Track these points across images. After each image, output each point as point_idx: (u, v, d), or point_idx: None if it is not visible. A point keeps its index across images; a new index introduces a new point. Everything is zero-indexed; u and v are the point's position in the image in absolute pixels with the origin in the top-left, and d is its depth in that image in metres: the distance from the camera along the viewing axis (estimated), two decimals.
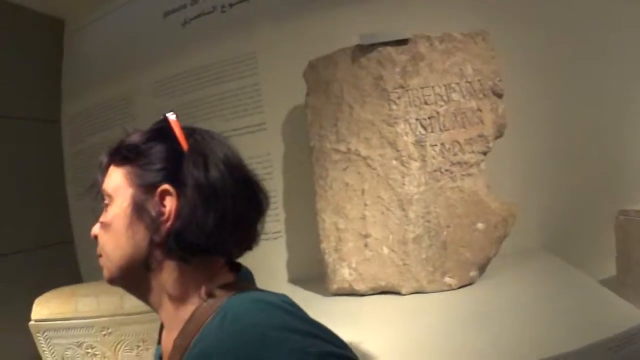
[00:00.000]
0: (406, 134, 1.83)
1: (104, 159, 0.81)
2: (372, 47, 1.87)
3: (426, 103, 1.86)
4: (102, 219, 0.78)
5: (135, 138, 0.78)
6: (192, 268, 0.73)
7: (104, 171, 0.80)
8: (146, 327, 1.87)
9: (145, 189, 0.73)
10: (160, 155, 0.74)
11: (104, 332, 1.91)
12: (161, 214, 0.72)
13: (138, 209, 0.73)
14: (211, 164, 0.72)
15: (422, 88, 1.86)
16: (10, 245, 2.46)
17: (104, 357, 1.95)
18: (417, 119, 1.84)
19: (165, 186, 0.72)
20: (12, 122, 2.48)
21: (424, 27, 1.93)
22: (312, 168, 1.92)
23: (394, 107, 1.84)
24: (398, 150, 1.83)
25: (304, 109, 1.96)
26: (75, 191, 2.78)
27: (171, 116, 0.77)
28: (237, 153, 0.79)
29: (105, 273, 0.79)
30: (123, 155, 0.77)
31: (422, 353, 1.35)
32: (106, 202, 0.78)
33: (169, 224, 0.71)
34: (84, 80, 2.69)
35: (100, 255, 0.80)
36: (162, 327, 0.86)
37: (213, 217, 0.70)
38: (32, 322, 2.00)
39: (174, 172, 0.72)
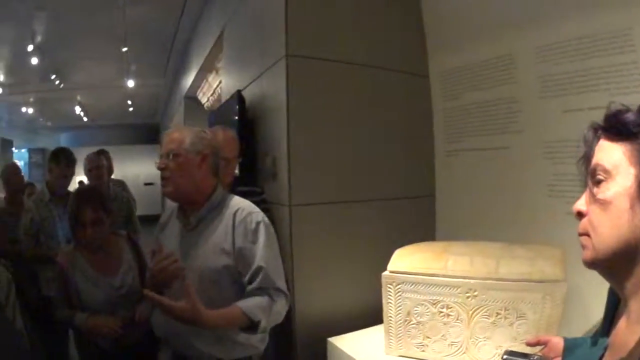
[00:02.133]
0: None
1: (590, 132, 0.81)
2: None
3: None
4: (599, 195, 0.75)
5: (632, 116, 0.75)
6: None
7: (592, 145, 0.80)
8: (514, 296, 1.83)
9: None
10: None
11: (468, 295, 1.89)
12: None
13: None
14: None
15: None
16: (377, 192, 2.54)
17: (457, 319, 1.93)
18: None
19: None
20: (386, 73, 2.56)
21: None
22: None
23: None
24: None
25: None
26: (442, 147, 2.73)
27: None
28: None
29: (589, 254, 0.77)
30: (620, 131, 0.75)
31: None
32: (599, 178, 0.76)
33: None
34: (451, 37, 2.64)
35: (584, 234, 0.78)
36: (609, 315, 0.87)
37: None
38: (386, 273, 2.03)
39: None
